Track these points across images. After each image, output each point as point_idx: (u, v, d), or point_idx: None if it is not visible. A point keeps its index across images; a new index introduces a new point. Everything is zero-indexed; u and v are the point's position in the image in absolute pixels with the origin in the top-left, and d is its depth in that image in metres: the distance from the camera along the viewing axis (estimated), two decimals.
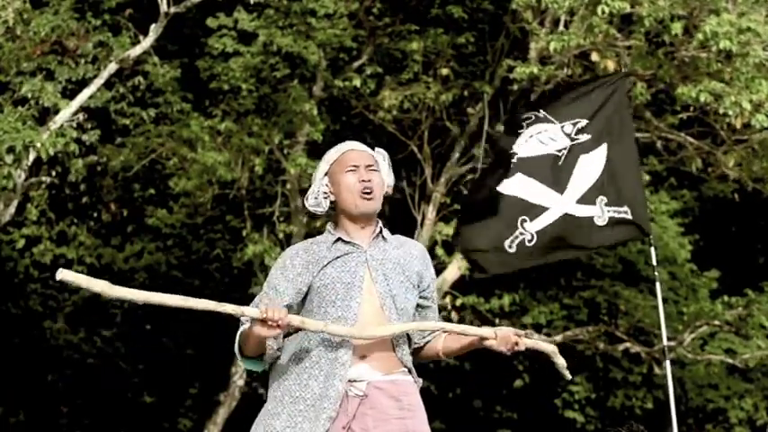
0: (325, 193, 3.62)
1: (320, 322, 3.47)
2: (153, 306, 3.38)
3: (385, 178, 3.68)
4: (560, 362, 3.78)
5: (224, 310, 3.38)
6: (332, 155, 3.65)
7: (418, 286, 3.65)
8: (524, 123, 6.41)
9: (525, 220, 6.28)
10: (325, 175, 3.64)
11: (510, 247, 6.25)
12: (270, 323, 3.36)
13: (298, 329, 3.54)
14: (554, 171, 6.35)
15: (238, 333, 3.56)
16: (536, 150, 6.39)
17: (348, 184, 3.59)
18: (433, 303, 3.72)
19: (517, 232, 6.27)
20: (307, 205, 3.68)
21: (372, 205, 3.60)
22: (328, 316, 3.50)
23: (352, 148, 3.66)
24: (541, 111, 6.42)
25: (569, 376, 3.90)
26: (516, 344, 3.58)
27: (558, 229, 6.26)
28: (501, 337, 3.58)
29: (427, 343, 3.71)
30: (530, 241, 6.27)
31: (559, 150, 6.37)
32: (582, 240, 6.36)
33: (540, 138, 6.37)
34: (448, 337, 3.69)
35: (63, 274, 3.22)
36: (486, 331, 3.61)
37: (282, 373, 3.56)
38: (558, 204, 6.31)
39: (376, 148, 3.73)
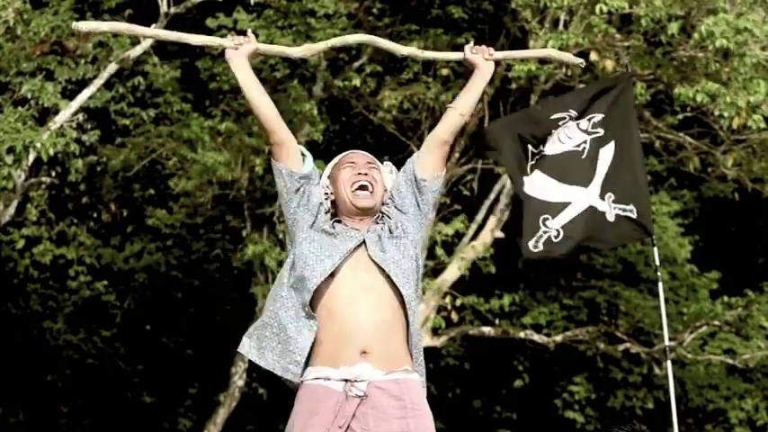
0: (326, 193, 3.66)
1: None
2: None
3: (388, 186, 3.71)
4: (564, 58, 3.90)
5: (192, 40, 3.70)
6: (334, 160, 3.74)
7: (415, 218, 3.68)
8: (559, 123, 6.43)
9: (548, 219, 6.32)
10: (328, 177, 3.71)
11: (536, 247, 6.28)
12: (237, 40, 3.68)
13: None
14: (577, 165, 6.40)
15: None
16: (556, 149, 6.43)
17: (343, 178, 3.66)
18: (410, 165, 3.72)
19: (540, 231, 6.30)
20: None
21: (367, 201, 3.63)
22: (314, 271, 3.51)
23: (353, 151, 3.76)
24: (572, 110, 6.46)
25: (581, 61, 3.98)
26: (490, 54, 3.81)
27: (584, 220, 6.30)
28: (468, 49, 3.80)
29: (445, 120, 3.83)
30: (556, 237, 6.30)
31: (578, 145, 6.42)
32: (601, 234, 6.42)
33: (560, 136, 6.41)
34: (454, 105, 3.85)
35: (79, 25, 3.41)
36: (456, 54, 3.90)
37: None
38: (582, 197, 6.35)
39: (384, 162, 3.79)
